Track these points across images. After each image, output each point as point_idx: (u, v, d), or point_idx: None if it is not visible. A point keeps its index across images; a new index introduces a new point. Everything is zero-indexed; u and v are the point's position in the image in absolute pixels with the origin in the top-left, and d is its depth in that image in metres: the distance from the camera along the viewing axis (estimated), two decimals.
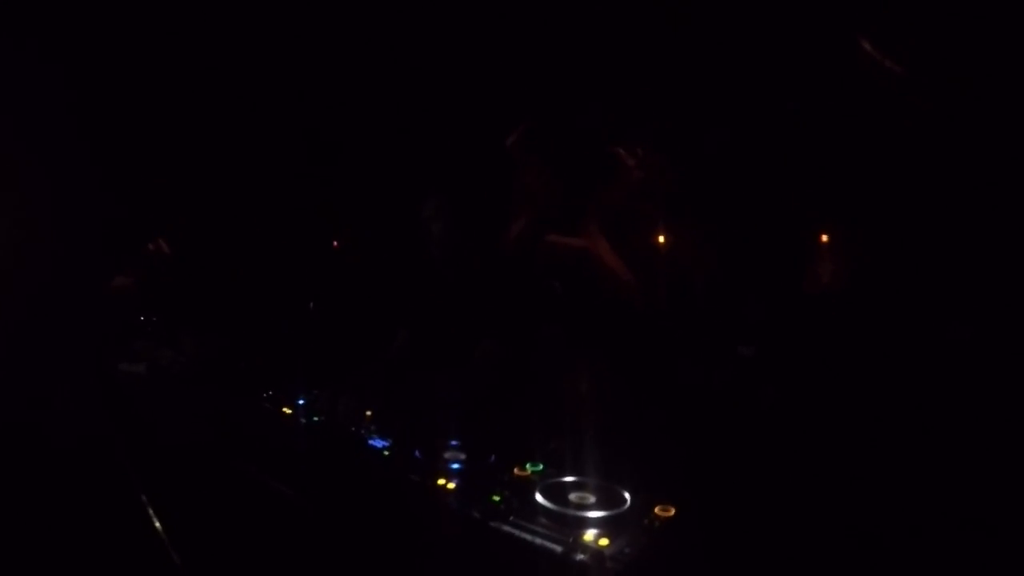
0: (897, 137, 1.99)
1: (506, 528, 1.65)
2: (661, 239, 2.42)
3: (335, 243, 3.40)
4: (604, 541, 1.56)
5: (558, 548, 1.56)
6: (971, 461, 1.78)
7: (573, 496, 1.74)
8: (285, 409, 2.40)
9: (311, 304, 3.34)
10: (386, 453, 2.09)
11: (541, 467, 1.93)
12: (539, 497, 1.73)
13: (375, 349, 2.99)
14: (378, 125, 3.30)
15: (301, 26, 3.37)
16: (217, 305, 3.32)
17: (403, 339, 3.00)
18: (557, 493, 1.75)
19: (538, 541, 1.59)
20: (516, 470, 1.91)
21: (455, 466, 1.94)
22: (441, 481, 1.86)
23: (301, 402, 2.41)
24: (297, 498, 2.07)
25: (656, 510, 1.69)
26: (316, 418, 2.34)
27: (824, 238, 2.14)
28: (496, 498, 1.74)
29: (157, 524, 2.28)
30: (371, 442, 2.14)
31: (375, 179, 3.27)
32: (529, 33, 2.88)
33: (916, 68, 1.97)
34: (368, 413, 2.30)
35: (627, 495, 1.74)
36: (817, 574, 1.68)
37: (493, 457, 1.98)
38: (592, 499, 1.73)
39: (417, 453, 2.03)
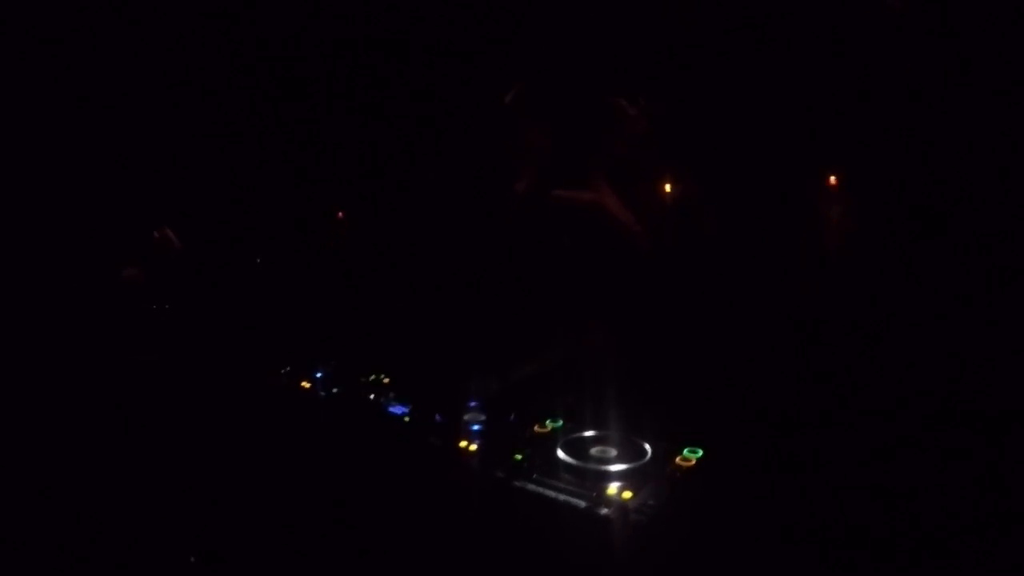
0: (899, 77, 1.94)
1: (530, 486, 1.67)
2: (667, 188, 2.40)
3: (340, 214, 3.38)
4: (627, 494, 1.58)
5: (582, 503, 1.58)
6: (979, 417, 1.78)
7: (594, 450, 1.76)
8: (303, 383, 2.42)
9: (320, 279, 3.34)
10: (406, 419, 2.10)
11: (560, 423, 1.94)
12: (560, 453, 1.74)
13: (381, 317, 2.99)
14: (377, 100, 3.25)
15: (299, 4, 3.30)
16: (226, 288, 3.33)
17: (401, 308, 3.00)
18: (578, 448, 1.76)
19: (562, 498, 1.61)
20: (536, 427, 1.93)
21: (475, 427, 1.96)
22: (463, 443, 1.88)
23: (318, 375, 2.42)
24: (320, 469, 2.10)
25: (677, 460, 1.71)
26: (335, 389, 2.36)
27: (832, 180, 2.11)
28: (518, 457, 1.76)
29: (177, 505, 2.32)
30: (391, 409, 2.16)
31: (375, 153, 3.24)
32: None
33: (917, 5, 1.91)
34: (386, 380, 2.32)
35: (648, 447, 1.75)
36: (837, 519, 1.69)
37: (513, 416, 2.00)
38: (613, 452, 1.75)
39: (437, 417, 2.05)
